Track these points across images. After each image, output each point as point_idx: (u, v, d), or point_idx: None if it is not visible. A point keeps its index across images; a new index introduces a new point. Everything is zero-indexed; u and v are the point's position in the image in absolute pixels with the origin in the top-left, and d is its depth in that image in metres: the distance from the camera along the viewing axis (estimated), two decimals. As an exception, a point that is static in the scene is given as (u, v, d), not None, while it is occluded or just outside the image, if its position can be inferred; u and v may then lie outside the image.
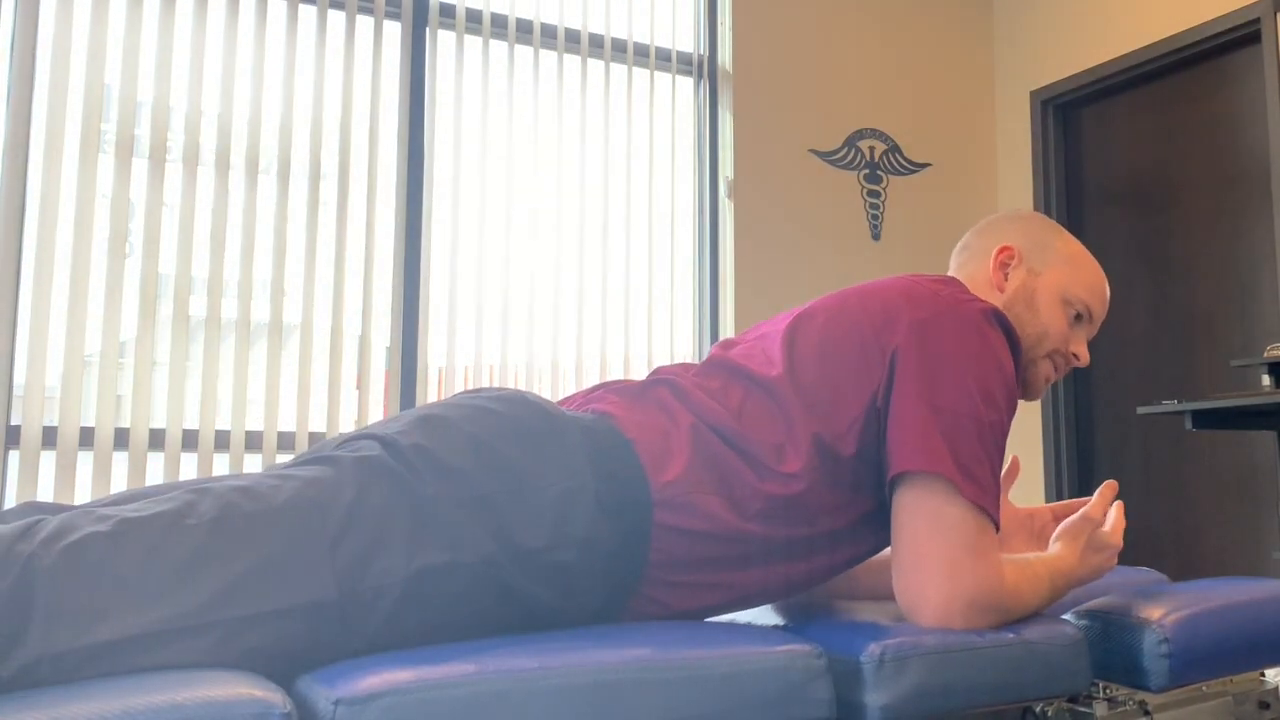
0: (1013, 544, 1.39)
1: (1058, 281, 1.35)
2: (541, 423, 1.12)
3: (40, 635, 0.84)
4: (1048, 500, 4.09)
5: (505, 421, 1.10)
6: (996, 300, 1.34)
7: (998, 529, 1.16)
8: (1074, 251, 1.38)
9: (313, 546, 0.95)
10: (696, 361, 1.34)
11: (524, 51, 3.61)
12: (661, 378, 1.25)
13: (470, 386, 3.46)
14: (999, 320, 1.23)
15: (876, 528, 1.21)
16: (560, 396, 3.56)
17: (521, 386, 3.47)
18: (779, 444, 1.17)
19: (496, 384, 3.44)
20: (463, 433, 1.07)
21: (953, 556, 1.11)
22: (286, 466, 1.06)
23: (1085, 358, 1.37)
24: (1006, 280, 1.36)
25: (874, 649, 1.05)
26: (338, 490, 0.99)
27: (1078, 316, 1.36)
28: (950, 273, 1.44)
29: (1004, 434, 1.18)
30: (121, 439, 2.90)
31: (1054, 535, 1.29)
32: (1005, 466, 1.43)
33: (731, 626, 1.10)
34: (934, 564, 1.11)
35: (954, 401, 1.15)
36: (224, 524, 0.94)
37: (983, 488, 1.13)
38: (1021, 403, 4.18)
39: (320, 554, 0.95)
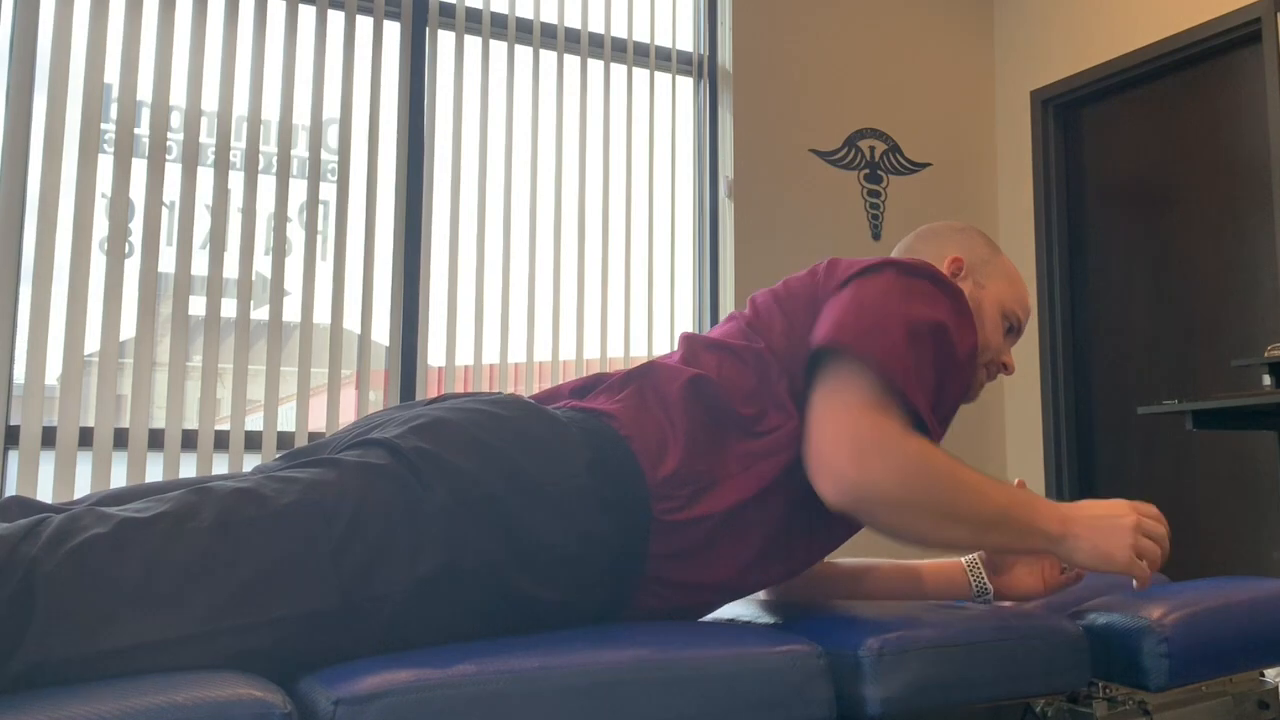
0: (1018, 569, 1.39)
1: (998, 296, 1.41)
2: (540, 424, 1.12)
3: (42, 641, 0.84)
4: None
5: (506, 423, 1.10)
6: None
7: (926, 423, 1.14)
8: (1008, 267, 1.45)
9: (316, 554, 0.95)
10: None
11: (524, 51, 3.61)
12: (643, 368, 1.26)
13: (469, 387, 3.46)
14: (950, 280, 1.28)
15: None
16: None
17: (521, 387, 3.47)
18: (757, 398, 1.20)
19: (496, 384, 3.44)
20: (466, 434, 1.07)
21: (845, 401, 1.12)
22: (287, 466, 1.05)
23: (1013, 366, 1.43)
24: None
25: (873, 643, 1.06)
26: (341, 495, 0.99)
27: (1010, 329, 1.43)
28: None
29: (935, 330, 1.18)
30: (121, 439, 2.90)
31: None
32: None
33: (731, 626, 1.10)
34: (830, 414, 1.12)
35: (882, 295, 1.19)
36: (226, 529, 0.93)
37: (890, 364, 1.12)
38: (1021, 403, 4.20)
39: (323, 561, 0.95)
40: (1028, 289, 1.50)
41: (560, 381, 3.65)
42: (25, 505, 1.01)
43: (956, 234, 1.47)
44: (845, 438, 1.09)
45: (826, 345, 1.16)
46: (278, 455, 1.15)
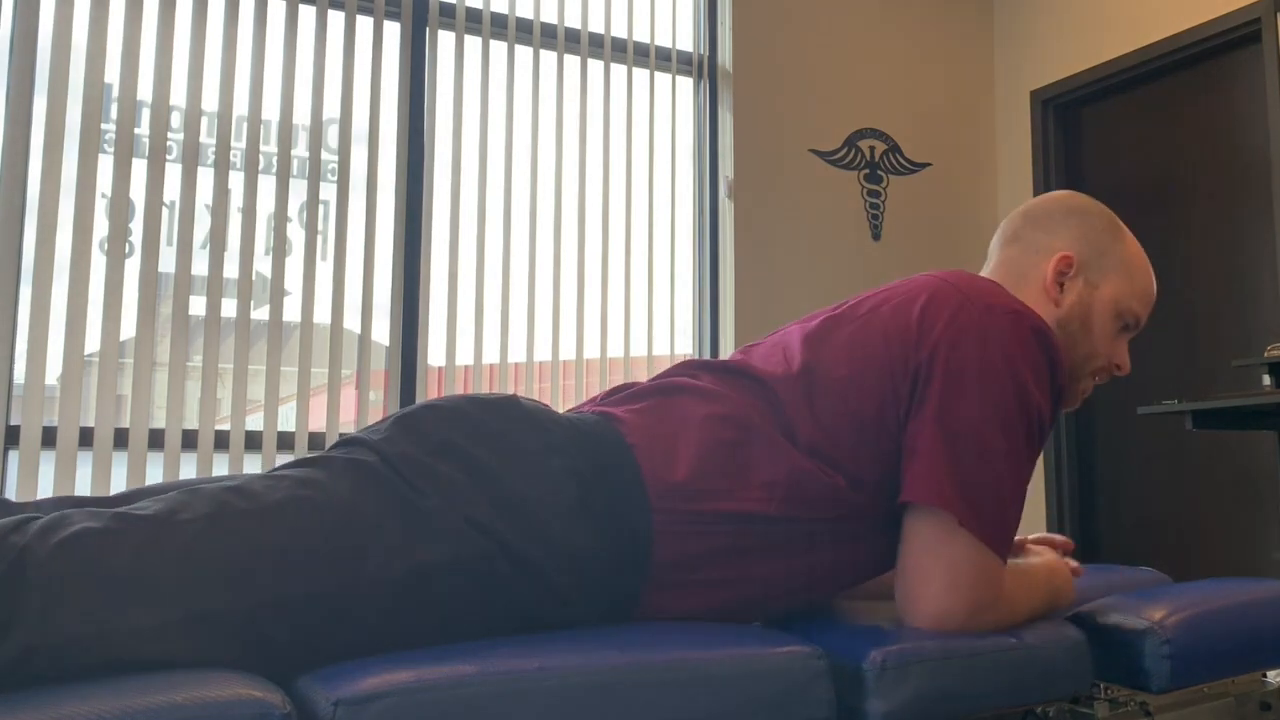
0: None
1: (1114, 294, 1.29)
2: (526, 432, 1.10)
3: (32, 627, 0.84)
4: (1048, 501, 4.09)
5: (489, 432, 1.09)
6: (1049, 312, 1.29)
7: (1004, 558, 1.15)
8: (1130, 256, 1.31)
9: (307, 543, 0.96)
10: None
11: (524, 51, 3.61)
12: (677, 383, 1.22)
13: (469, 387, 3.46)
14: (1040, 339, 1.18)
15: (881, 535, 1.20)
16: (560, 396, 3.58)
17: (522, 387, 3.47)
18: (787, 448, 1.15)
19: (496, 384, 3.44)
20: (448, 444, 1.06)
21: (953, 575, 1.12)
22: (279, 468, 1.06)
23: (1127, 367, 1.31)
24: (1062, 292, 1.30)
25: (876, 655, 1.05)
26: (332, 490, 0.99)
27: (1125, 326, 1.31)
28: (993, 260, 1.37)
29: (1021, 463, 1.16)
30: (121, 439, 2.89)
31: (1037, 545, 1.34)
32: None
33: (732, 628, 1.09)
34: (935, 579, 1.12)
35: (969, 431, 1.13)
36: (217, 520, 0.94)
37: (987, 522, 1.12)
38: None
39: (316, 548, 0.96)
40: (1152, 275, 1.33)
41: (562, 381, 3.64)
42: (65, 505, 1.01)
43: (1072, 219, 1.32)
44: (960, 608, 1.12)
45: (929, 505, 1.13)
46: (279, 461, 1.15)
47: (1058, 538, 1.40)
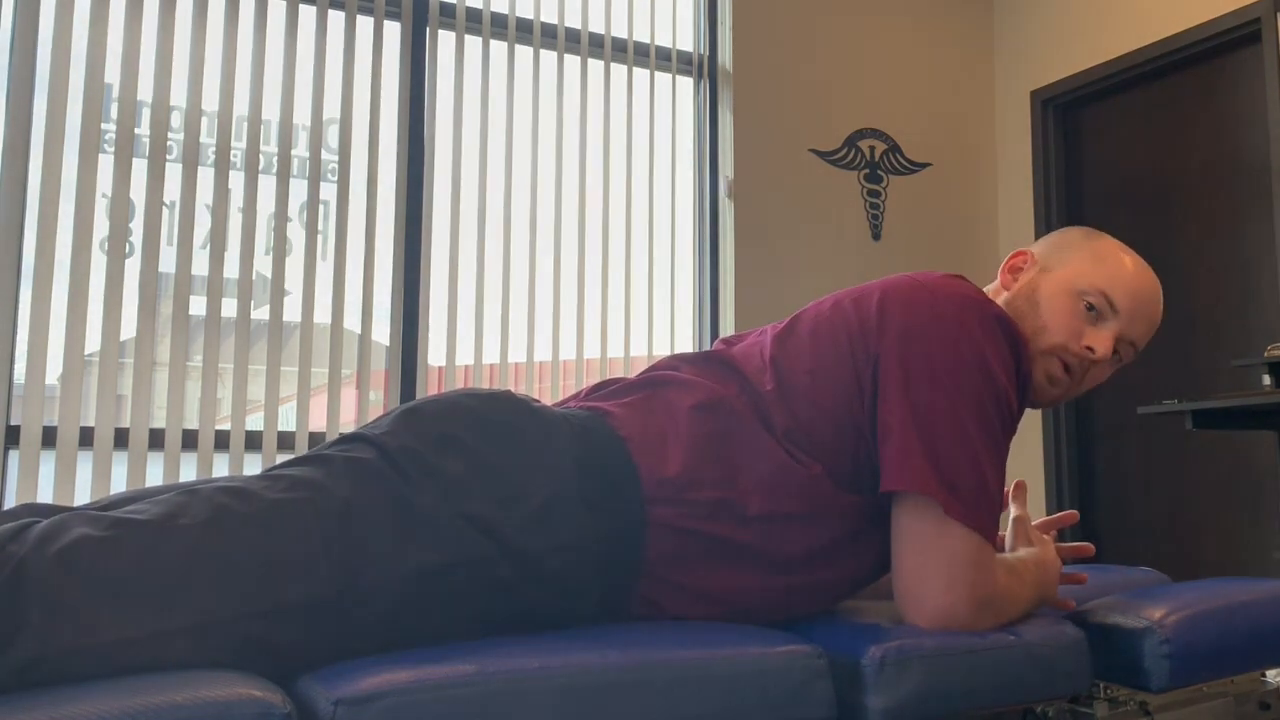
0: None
1: (1069, 275, 1.28)
2: (527, 425, 1.11)
3: (34, 639, 0.84)
4: (1048, 501, 4.09)
5: (491, 425, 1.09)
6: (1001, 298, 1.32)
7: (992, 539, 1.15)
8: (1102, 248, 1.30)
9: (308, 546, 0.95)
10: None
11: (524, 51, 3.61)
12: (661, 376, 1.24)
13: (470, 386, 3.46)
14: (1000, 324, 1.19)
15: (874, 535, 1.19)
16: (560, 396, 3.57)
17: (522, 386, 3.47)
18: (767, 438, 1.16)
19: (496, 384, 3.44)
20: (450, 437, 1.06)
21: (950, 572, 1.11)
22: (277, 467, 1.06)
23: (1101, 349, 1.25)
24: (1015, 282, 1.33)
25: (875, 651, 1.05)
26: (331, 489, 0.99)
27: (1091, 308, 1.26)
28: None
29: (997, 445, 1.16)
30: (121, 439, 2.89)
31: (1019, 536, 1.34)
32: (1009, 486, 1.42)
33: (732, 627, 1.10)
34: (931, 578, 1.12)
35: (940, 414, 1.13)
36: (217, 525, 0.93)
37: (969, 504, 1.12)
38: (1021, 403, 4.19)
39: (316, 553, 0.95)
40: (1135, 269, 1.29)
41: (562, 381, 3.65)
42: (36, 512, 1.01)
43: (1052, 236, 1.37)
44: (961, 607, 1.12)
45: (912, 492, 1.12)
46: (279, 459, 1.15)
47: (1079, 546, 1.39)
